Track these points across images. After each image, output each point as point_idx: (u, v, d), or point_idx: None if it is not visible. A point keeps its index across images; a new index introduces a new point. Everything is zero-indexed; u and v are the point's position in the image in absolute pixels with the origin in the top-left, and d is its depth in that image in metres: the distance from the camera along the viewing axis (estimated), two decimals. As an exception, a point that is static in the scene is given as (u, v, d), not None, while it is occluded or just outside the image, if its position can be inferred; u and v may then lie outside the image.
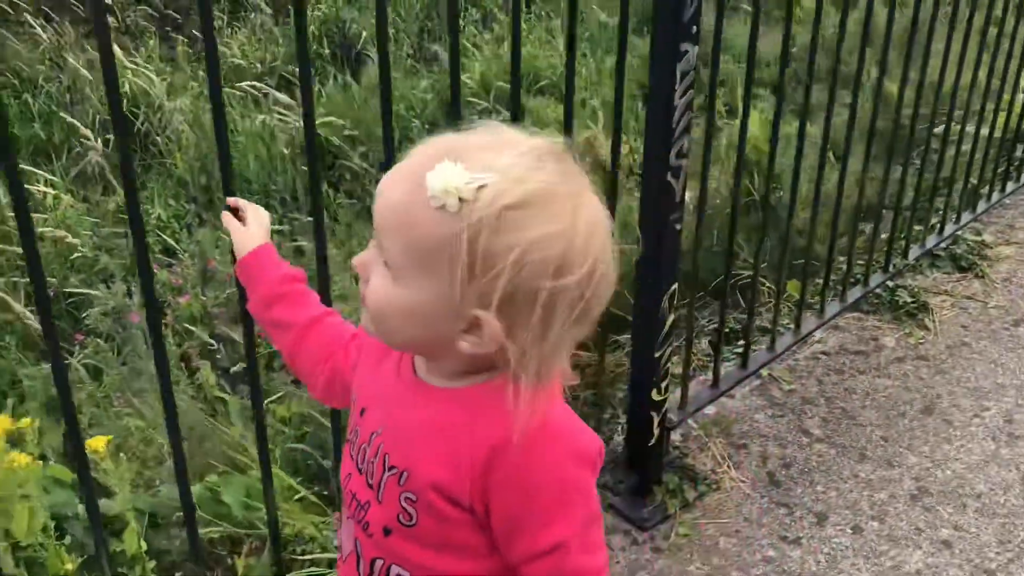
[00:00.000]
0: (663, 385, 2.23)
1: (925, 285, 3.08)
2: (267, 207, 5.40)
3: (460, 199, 0.85)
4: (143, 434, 2.74)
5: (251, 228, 1.31)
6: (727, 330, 2.76)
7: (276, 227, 4.47)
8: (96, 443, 1.90)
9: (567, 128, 1.81)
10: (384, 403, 1.05)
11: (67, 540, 1.99)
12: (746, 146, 2.30)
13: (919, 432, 2.53)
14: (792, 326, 2.67)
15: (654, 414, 2.24)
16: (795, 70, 3.65)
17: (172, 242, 4.54)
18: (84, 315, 3.99)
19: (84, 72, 5.95)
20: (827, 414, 2.60)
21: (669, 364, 2.22)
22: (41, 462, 1.98)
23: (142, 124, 5.60)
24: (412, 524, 0.99)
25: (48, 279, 4.29)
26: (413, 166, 0.90)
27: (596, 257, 0.89)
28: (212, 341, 3.48)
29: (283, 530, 2.04)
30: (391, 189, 0.91)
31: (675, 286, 2.12)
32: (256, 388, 1.71)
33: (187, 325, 3.54)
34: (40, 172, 5.08)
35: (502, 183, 0.85)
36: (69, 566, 1.88)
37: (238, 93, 5.57)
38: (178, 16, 6.57)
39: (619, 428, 2.48)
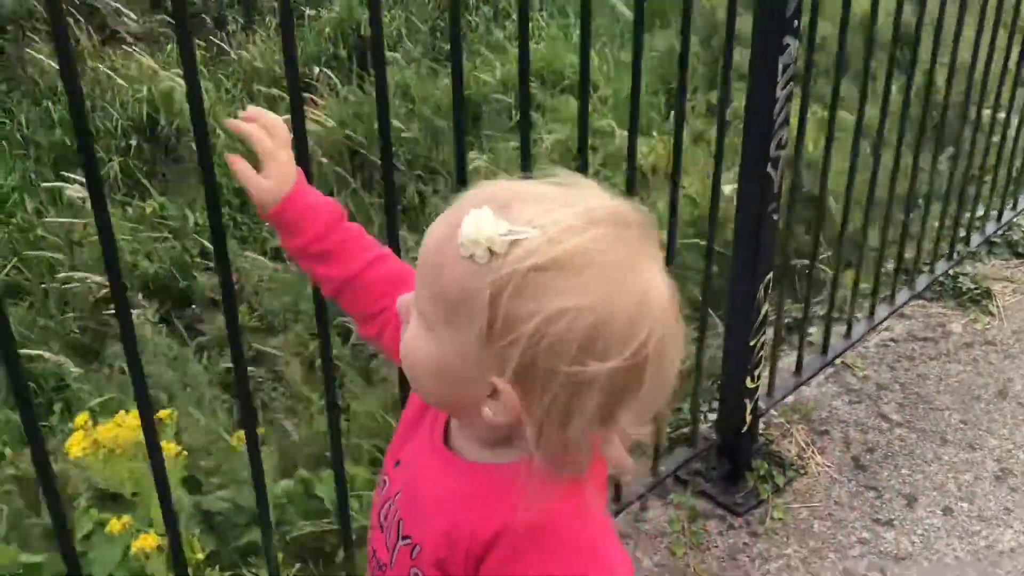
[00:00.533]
0: (756, 373, 2.27)
1: (985, 272, 3.14)
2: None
3: (490, 251, 0.77)
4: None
5: (275, 175, 1.11)
6: (792, 320, 2.80)
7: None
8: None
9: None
10: (413, 464, 0.98)
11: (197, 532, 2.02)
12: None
13: (996, 415, 2.58)
14: (867, 314, 2.71)
15: (747, 401, 2.28)
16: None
17: (210, 246, 4.56)
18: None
19: (111, 76, 5.95)
20: (903, 399, 2.65)
21: (762, 352, 2.26)
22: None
23: (162, 129, 5.62)
24: None
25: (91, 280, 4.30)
26: (458, 211, 0.81)
27: (643, 342, 0.77)
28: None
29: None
30: (431, 232, 0.83)
31: (770, 275, 2.17)
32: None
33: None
34: (75, 176, 5.10)
35: (537, 240, 0.76)
36: (200, 555, 1.91)
37: (275, 92, 5.60)
38: (203, 17, 6.57)
39: (701, 417, 2.52)
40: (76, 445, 1.82)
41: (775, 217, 2.10)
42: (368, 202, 4.78)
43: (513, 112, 5.41)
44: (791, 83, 1.99)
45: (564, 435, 0.79)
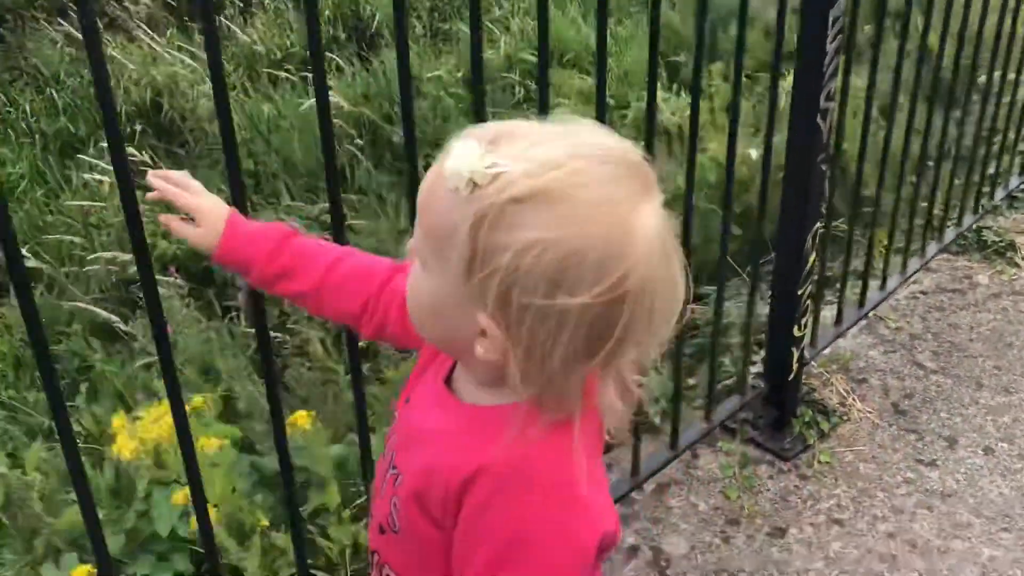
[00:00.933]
0: (803, 322, 2.34)
1: (1007, 225, 3.22)
2: (314, 190, 5.43)
3: (473, 183, 0.76)
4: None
5: (206, 221, 1.15)
6: (831, 273, 2.87)
7: (325, 206, 4.54)
8: (300, 419, 2.00)
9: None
10: (416, 402, 0.99)
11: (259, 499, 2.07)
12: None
13: (1029, 360, 2.67)
14: (900, 268, 2.78)
15: (794, 349, 2.35)
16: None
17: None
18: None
19: (115, 59, 5.95)
20: (937, 348, 2.73)
21: (808, 302, 2.33)
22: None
23: (166, 114, 5.63)
24: (396, 531, 0.93)
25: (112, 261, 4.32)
26: (450, 152, 0.81)
27: (619, 280, 0.76)
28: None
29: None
30: (429, 172, 0.83)
31: (819, 225, 2.23)
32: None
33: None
34: (96, 161, 5.12)
35: (517, 173, 0.76)
36: (265, 522, 1.96)
37: (282, 75, 5.62)
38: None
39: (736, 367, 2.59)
40: (125, 448, 1.86)
41: (824, 168, 2.17)
42: (379, 181, 4.83)
43: (517, 88, 5.47)
44: (840, 35, 2.05)
45: (546, 371, 0.79)
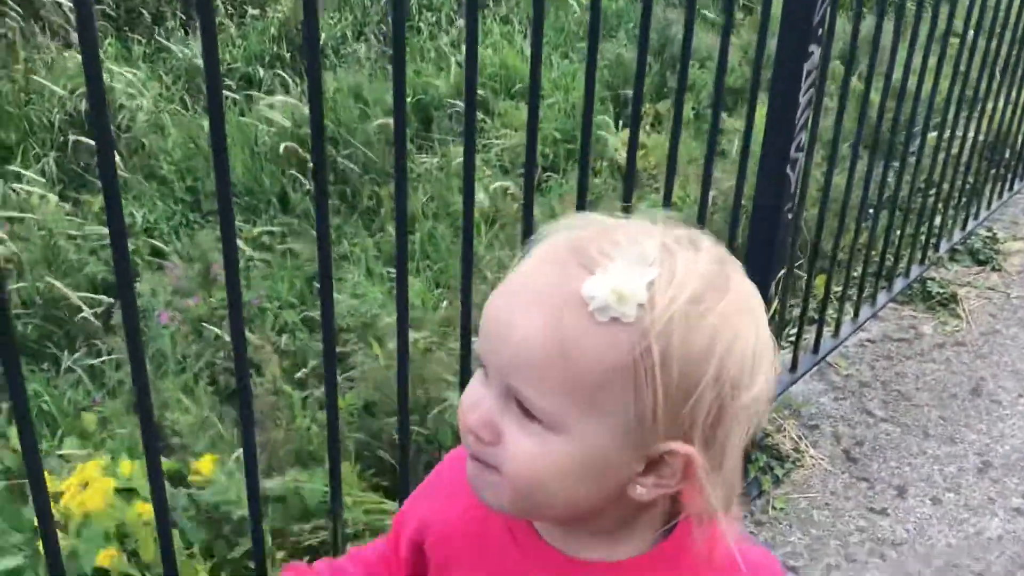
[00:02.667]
0: (762, 367, 2.35)
1: (949, 277, 3.30)
2: (254, 210, 5.33)
3: (638, 304, 0.66)
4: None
5: None
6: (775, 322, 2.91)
7: (266, 228, 4.46)
8: (203, 466, 1.93)
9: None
10: (485, 567, 0.83)
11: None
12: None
13: (972, 412, 2.72)
14: (852, 316, 2.83)
15: (752, 395, 2.36)
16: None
17: (161, 244, 4.48)
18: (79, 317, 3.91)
19: (49, 69, 5.79)
20: (885, 396, 2.77)
21: (768, 347, 2.34)
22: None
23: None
24: None
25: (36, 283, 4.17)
26: (538, 285, 0.70)
27: (768, 346, 0.72)
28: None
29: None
30: (519, 319, 0.69)
31: (782, 272, 2.25)
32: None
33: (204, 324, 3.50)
34: (28, 173, 4.95)
35: (673, 272, 0.68)
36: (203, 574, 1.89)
37: (228, 93, 5.51)
38: (142, 12, 6.44)
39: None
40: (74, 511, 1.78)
41: (790, 216, 2.19)
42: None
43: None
44: (813, 88, 2.09)
45: (724, 471, 0.72)
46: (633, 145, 1.70)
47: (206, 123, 5.42)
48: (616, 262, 0.67)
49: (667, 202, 1.88)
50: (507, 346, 0.69)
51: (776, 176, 2.14)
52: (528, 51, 5.96)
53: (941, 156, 3.08)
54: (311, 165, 4.97)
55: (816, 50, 2.05)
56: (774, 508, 2.38)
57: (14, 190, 4.82)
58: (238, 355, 1.23)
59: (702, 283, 0.68)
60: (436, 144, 5.35)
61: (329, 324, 1.36)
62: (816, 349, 2.69)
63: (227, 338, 3.26)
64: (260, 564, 1.46)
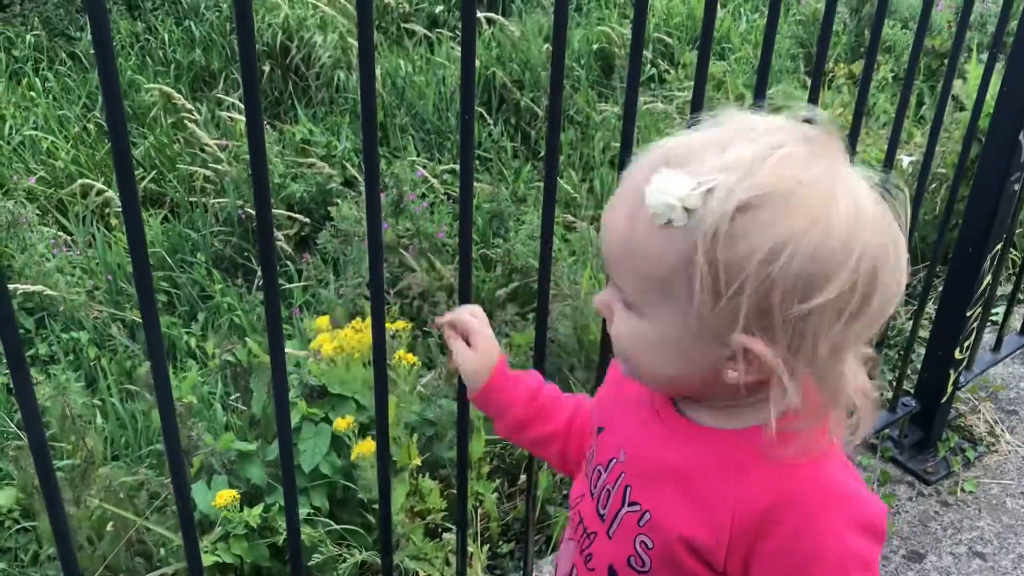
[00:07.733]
0: (966, 344, 2.25)
1: None
2: (440, 147, 5.41)
3: (686, 209, 0.73)
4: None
5: (481, 351, 1.13)
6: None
7: (448, 166, 4.54)
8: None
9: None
10: (627, 427, 0.94)
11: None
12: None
13: None
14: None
15: (952, 372, 2.27)
16: None
17: (355, 173, 4.63)
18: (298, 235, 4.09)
19: None
20: (1095, 387, 2.61)
21: (975, 324, 2.24)
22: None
23: (291, 59, 5.68)
24: (645, 571, 0.88)
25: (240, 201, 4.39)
26: (631, 186, 0.78)
27: (862, 252, 0.73)
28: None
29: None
30: (612, 220, 0.80)
31: (1000, 246, 2.14)
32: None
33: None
34: (229, 99, 5.20)
35: (731, 181, 0.72)
36: (417, 461, 1.97)
37: (407, 27, 5.62)
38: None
39: (887, 384, 2.52)
40: (327, 344, 1.88)
41: (1016, 187, 2.07)
42: (501, 145, 4.82)
43: (649, 65, 5.39)
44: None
45: (817, 371, 0.77)
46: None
47: (401, 61, 5.54)
48: (676, 170, 0.74)
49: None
50: (604, 244, 0.81)
51: (1006, 142, 2.02)
52: None
53: None
54: (495, 105, 4.95)
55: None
56: (963, 491, 2.28)
57: (222, 116, 5.08)
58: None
59: (758, 191, 0.72)
60: (617, 92, 5.31)
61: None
62: (1023, 331, 2.55)
63: (413, 265, 3.37)
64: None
